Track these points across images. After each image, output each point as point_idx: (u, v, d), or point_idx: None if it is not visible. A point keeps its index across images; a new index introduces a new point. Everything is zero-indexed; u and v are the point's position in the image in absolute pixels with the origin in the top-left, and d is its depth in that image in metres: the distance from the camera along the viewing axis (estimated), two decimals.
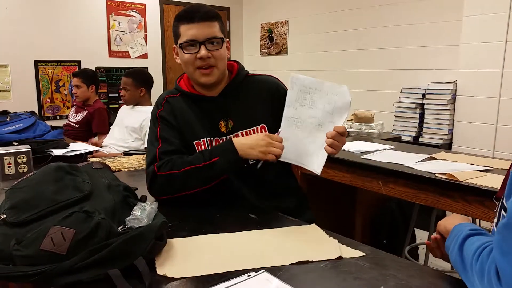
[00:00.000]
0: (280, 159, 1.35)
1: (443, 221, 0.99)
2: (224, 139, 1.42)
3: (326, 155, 1.27)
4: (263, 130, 1.45)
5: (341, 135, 1.26)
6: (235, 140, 1.33)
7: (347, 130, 3.31)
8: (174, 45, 1.45)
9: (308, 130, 1.32)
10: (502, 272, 0.69)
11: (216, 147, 1.36)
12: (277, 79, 1.56)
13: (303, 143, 1.34)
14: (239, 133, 1.44)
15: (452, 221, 0.95)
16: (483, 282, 0.73)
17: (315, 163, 1.30)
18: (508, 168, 1.06)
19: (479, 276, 0.74)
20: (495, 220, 0.89)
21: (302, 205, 1.54)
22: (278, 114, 1.35)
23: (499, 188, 1.02)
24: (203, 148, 1.41)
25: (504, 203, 0.82)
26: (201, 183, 1.33)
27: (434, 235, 1.02)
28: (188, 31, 1.35)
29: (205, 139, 1.42)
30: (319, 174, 1.28)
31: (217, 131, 1.43)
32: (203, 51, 1.35)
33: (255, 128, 1.45)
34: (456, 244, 0.85)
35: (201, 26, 1.35)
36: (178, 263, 0.93)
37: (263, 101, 1.47)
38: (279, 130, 1.35)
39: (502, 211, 0.83)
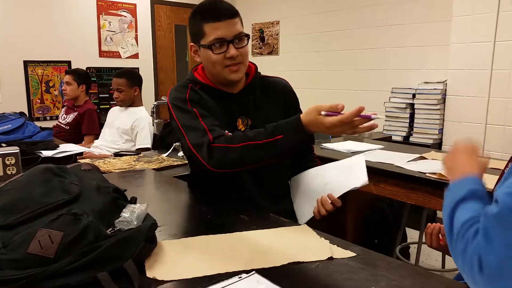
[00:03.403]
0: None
1: (454, 160, 0.97)
2: None
3: (312, 215, 1.32)
4: None
5: (333, 205, 1.27)
6: (303, 116, 1.18)
7: None
8: (192, 43, 1.40)
9: (317, 183, 1.39)
10: (485, 264, 0.68)
11: (281, 122, 1.22)
12: (287, 82, 1.59)
13: (306, 190, 1.41)
14: None
15: (462, 167, 0.93)
16: (464, 266, 0.73)
17: (302, 215, 1.38)
18: (502, 168, 1.06)
19: (461, 259, 0.74)
20: None
21: None
22: (289, 114, 1.30)
23: (491, 187, 1.01)
24: None
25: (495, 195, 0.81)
26: (258, 160, 1.24)
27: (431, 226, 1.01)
28: (215, 31, 1.32)
29: None
30: (301, 224, 1.28)
31: (235, 128, 1.42)
32: (232, 51, 1.33)
33: None
34: (449, 206, 0.83)
35: (228, 24, 1.32)
36: (168, 265, 0.92)
37: (278, 101, 1.50)
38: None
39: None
